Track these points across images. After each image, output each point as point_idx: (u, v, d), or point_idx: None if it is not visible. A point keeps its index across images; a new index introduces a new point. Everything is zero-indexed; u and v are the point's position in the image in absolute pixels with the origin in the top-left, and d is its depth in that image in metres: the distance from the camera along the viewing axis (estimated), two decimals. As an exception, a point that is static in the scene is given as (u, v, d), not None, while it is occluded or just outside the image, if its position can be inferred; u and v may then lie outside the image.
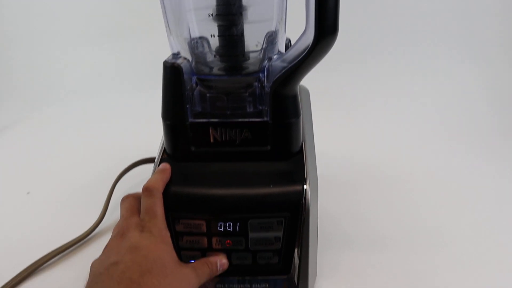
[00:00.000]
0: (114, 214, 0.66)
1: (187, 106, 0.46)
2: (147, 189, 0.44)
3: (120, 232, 0.42)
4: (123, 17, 1.15)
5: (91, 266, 0.40)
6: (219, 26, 0.45)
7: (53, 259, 0.56)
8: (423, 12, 1.09)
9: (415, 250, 0.56)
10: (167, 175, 0.45)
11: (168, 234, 0.43)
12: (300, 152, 0.47)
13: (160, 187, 0.44)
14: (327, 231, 0.58)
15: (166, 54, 0.49)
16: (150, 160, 0.70)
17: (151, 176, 0.45)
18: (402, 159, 0.80)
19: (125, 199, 0.47)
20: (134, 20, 1.13)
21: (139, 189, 0.64)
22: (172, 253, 0.41)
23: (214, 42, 0.47)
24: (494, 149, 0.83)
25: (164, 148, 0.49)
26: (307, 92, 0.58)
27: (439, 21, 1.10)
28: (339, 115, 0.97)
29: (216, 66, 0.47)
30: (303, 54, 0.40)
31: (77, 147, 0.92)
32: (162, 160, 0.48)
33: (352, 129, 0.94)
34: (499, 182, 0.72)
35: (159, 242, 0.41)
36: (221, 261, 0.43)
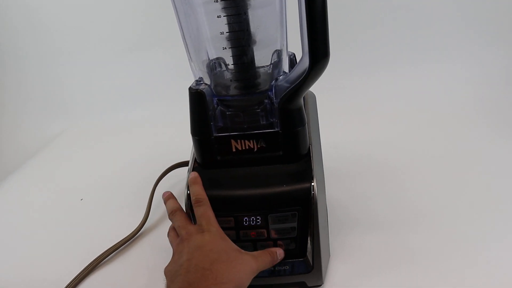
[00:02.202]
0: (156, 213, 0.76)
1: (211, 123, 0.55)
2: (197, 200, 0.53)
3: (183, 238, 0.51)
4: (149, 31, 1.24)
5: (164, 272, 0.49)
6: (232, 57, 0.54)
7: (110, 255, 0.67)
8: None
9: (415, 229, 0.63)
10: (202, 183, 0.55)
11: (223, 231, 0.51)
12: (308, 154, 0.56)
13: (205, 195, 0.53)
14: (337, 216, 0.67)
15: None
16: (183, 164, 0.80)
17: (193, 188, 0.54)
18: (403, 148, 0.87)
19: (168, 201, 0.57)
20: (160, 32, 1.21)
21: (176, 190, 0.74)
22: (231, 244, 0.50)
23: (228, 59, 0.56)
24: (493, 135, 0.89)
25: (195, 158, 0.59)
26: (313, 97, 0.67)
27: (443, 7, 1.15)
28: (344, 109, 1.04)
29: (232, 88, 0.57)
30: (302, 77, 0.49)
31: (119, 155, 1.02)
32: (194, 168, 0.58)
33: (358, 122, 1.01)
34: (499, 166, 0.77)
35: (218, 238, 0.50)
36: (279, 251, 0.52)
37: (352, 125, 1.00)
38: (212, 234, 0.50)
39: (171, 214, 0.56)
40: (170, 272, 0.47)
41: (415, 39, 1.16)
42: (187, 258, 0.47)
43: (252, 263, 0.49)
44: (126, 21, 1.23)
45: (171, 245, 0.54)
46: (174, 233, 0.55)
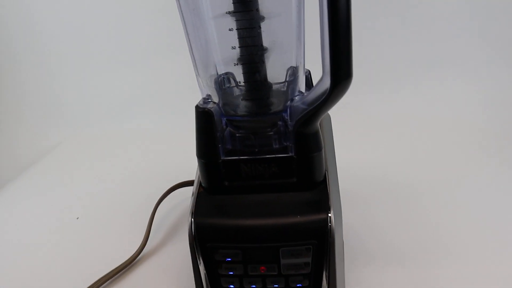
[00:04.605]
0: (156, 237, 0.71)
1: (219, 145, 0.51)
2: None
3: None
4: (156, 39, 1.20)
5: None
6: (243, 74, 0.49)
7: (106, 283, 0.62)
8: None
9: (441, 264, 0.58)
10: None
11: None
12: (324, 181, 0.51)
13: None
14: (351, 246, 0.62)
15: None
16: (188, 184, 0.75)
17: None
18: (420, 172, 0.82)
19: None
20: (168, 40, 1.17)
21: (178, 212, 0.70)
22: None
23: (239, 76, 0.52)
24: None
25: (200, 182, 0.54)
26: (329, 118, 0.62)
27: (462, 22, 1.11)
28: (356, 128, 1.00)
29: (243, 107, 0.52)
30: (322, 99, 0.44)
31: (118, 170, 0.98)
32: (198, 194, 0.53)
33: (370, 142, 0.96)
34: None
35: None
36: None
37: (366, 145, 0.95)
38: None
39: None
40: None
41: (433, 55, 1.12)
42: None
43: None
44: (131, 28, 1.20)
45: None
46: None
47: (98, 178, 0.96)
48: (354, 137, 0.95)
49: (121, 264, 0.64)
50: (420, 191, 0.76)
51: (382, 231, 0.66)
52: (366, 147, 0.94)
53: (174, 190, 0.75)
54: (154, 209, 0.72)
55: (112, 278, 0.62)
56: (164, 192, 0.74)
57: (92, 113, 1.24)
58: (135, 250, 0.66)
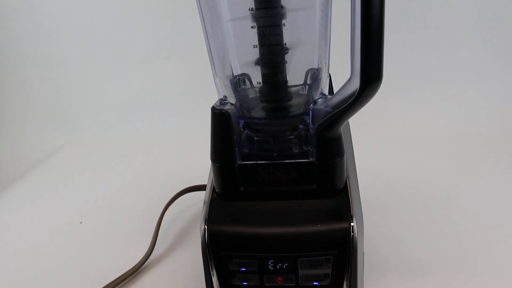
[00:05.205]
0: (163, 243, 0.68)
1: (236, 149, 0.48)
2: None
3: None
4: (165, 39, 1.17)
5: None
6: (263, 74, 0.47)
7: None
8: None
9: (457, 275, 0.56)
10: None
11: None
12: (345, 188, 0.49)
13: None
14: (368, 257, 0.59)
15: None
16: (197, 188, 0.73)
17: None
18: (439, 179, 0.80)
19: None
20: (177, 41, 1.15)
21: (187, 217, 0.68)
22: None
23: (255, 77, 0.49)
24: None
25: (213, 188, 0.52)
26: (347, 124, 0.60)
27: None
28: (373, 134, 0.97)
29: (262, 110, 0.50)
30: (350, 101, 0.42)
31: (125, 173, 0.95)
32: (212, 200, 0.51)
33: (388, 148, 0.94)
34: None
35: None
36: None
37: (383, 151, 0.93)
38: None
39: None
40: None
41: (447, 61, 1.09)
42: None
43: None
44: (137, 30, 1.18)
45: None
46: None
47: (103, 181, 0.93)
48: (368, 144, 0.92)
49: (126, 272, 0.61)
50: (438, 200, 0.73)
51: (400, 241, 0.63)
52: (381, 155, 0.91)
53: (182, 195, 0.73)
54: (161, 214, 0.70)
55: (118, 286, 0.59)
56: (172, 196, 0.72)
57: (99, 116, 1.22)
58: (142, 256, 0.64)
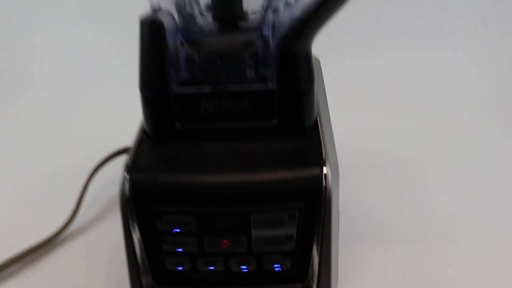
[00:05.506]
0: (88, 212, 0.56)
1: (171, 73, 0.36)
2: None
3: None
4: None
5: None
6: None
7: (11, 267, 0.46)
8: None
9: (428, 244, 0.49)
10: None
11: None
12: (315, 127, 0.38)
13: None
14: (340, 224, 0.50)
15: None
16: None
17: None
18: (421, 142, 0.73)
19: None
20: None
21: (117, 183, 0.55)
22: None
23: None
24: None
25: (143, 128, 0.40)
26: (317, 62, 0.49)
27: None
28: (349, 97, 0.88)
29: (208, 21, 0.38)
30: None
31: (47, 137, 0.82)
32: (141, 142, 0.39)
33: (364, 112, 0.85)
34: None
35: None
36: None
37: (360, 115, 0.83)
38: None
39: None
40: None
41: (434, 21, 1.01)
42: None
43: None
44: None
45: None
46: None
47: (23, 145, 0.80)
48: (347, 107, 0.83)
49: (37, 243, 0.48)
50: (415, 166, 0.66)
51: (374, 206, 0.56)
52: (360, 118, 0.82)
53: (113, 158, 0.60)
54: (87, 178, 0.57)
55: (23, 260, 0.47)
56: (101, 159, 0.59)
57: (30, 77, 1.07)
58: (59, 226, 0.51)
